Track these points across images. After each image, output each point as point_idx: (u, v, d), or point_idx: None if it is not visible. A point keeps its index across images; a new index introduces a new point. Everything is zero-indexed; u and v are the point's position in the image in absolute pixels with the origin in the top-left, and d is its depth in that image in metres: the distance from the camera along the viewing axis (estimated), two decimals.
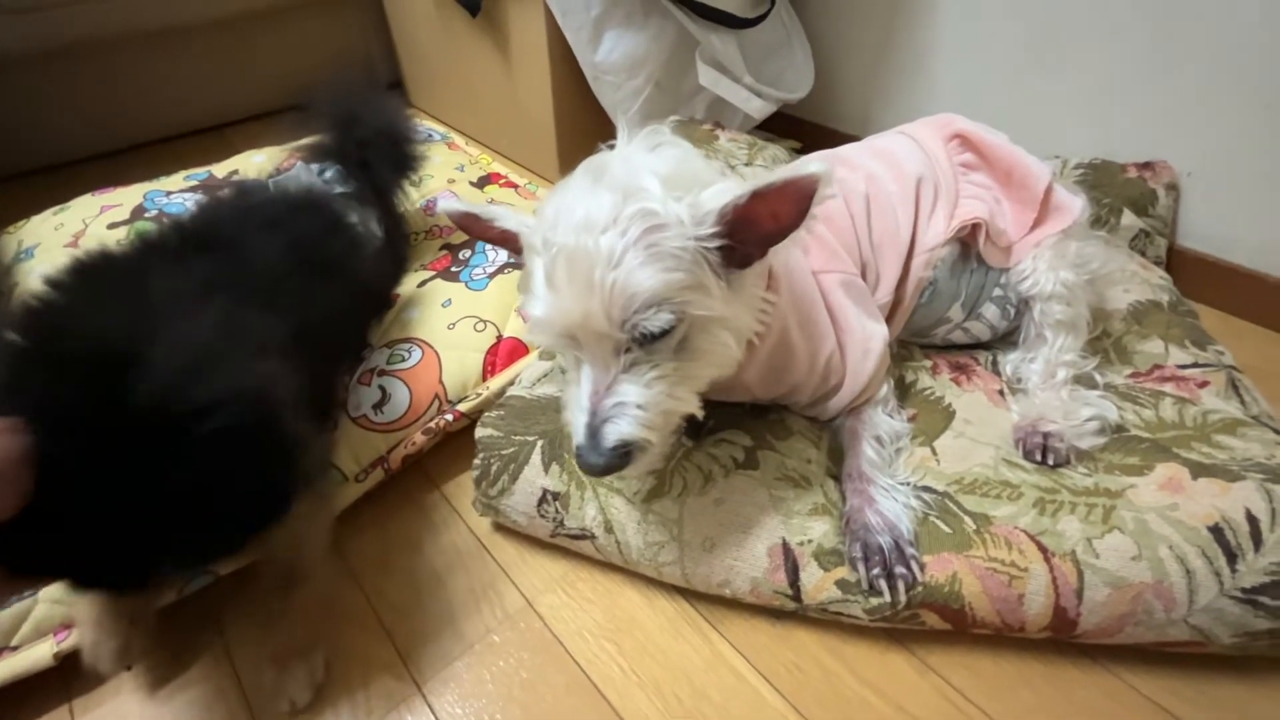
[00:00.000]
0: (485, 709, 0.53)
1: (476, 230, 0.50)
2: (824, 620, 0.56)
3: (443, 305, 0.79)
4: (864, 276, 0.66)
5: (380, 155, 0.83)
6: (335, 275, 0.67)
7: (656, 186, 0.42)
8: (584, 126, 1.21)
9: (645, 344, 0.43)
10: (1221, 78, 0.85)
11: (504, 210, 0.49)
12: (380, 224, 0.81)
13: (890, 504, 0.56)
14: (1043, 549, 0.52)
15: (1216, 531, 0.51)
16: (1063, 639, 0.53)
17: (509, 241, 0.48)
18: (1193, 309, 0.81)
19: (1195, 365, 0.70)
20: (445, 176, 1.11)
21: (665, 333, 0.43)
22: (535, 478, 0.61)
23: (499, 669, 0.56)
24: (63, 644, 0.54)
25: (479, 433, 0.64)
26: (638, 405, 0.43)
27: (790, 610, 0.56)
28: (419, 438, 0.69)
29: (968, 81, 1.09)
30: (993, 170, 0.70)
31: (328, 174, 0.80)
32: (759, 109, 1.11)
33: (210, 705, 0.54)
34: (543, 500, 0.61)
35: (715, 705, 0.53)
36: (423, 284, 0.84)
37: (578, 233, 0.41)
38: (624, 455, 0.44)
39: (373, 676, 0.56)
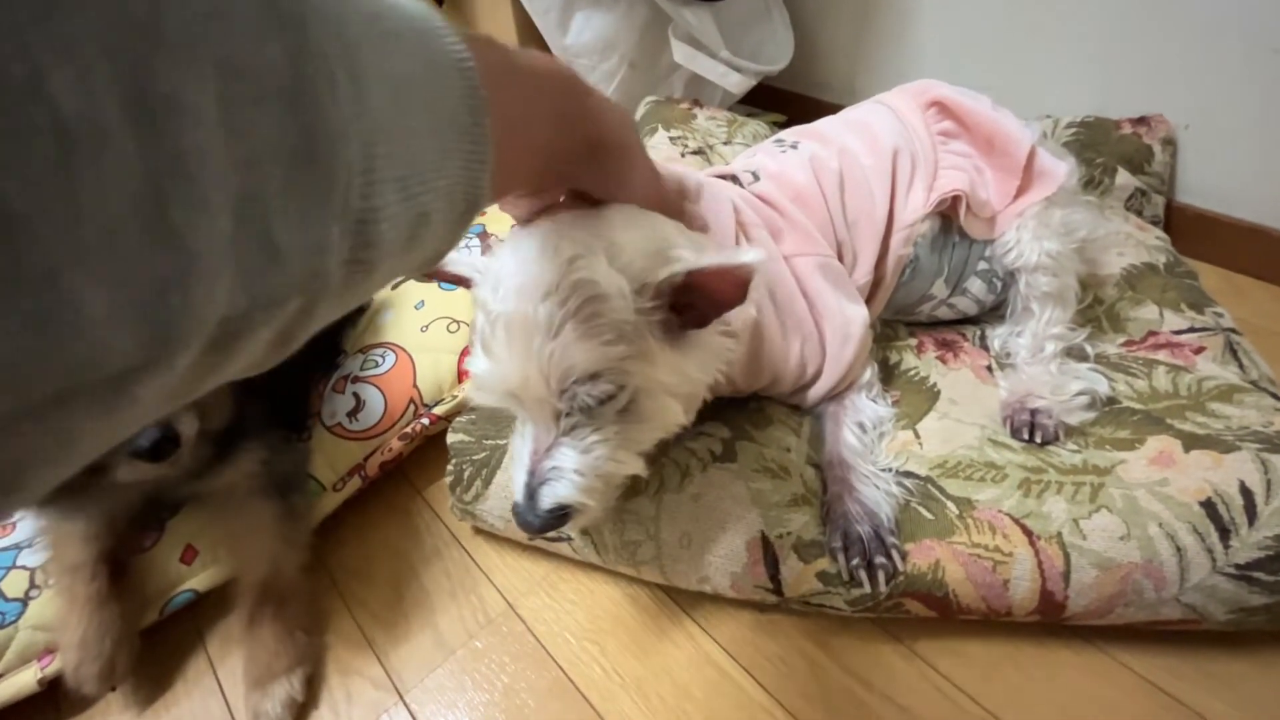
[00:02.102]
0: (467, 717, 0.53)
1: (431, 269, 0.49)
2: (808, 612, 0.56)
3: (415, 307, 0.78)
4: (840, 257, 0.63)
5: None
6: None
7: (599, 254, 0.40)
8: None
9: (586, 410, 0.42)
10: (1220, 22, 0.81)
11: (454, 255, 0.47)
12: None
13: (871, 491, 0.54)
14: (1027, 532, 0.51)
15: (1209, 506, 0.49)
16: (1051, 622, 0.52)
17: (463, 282, 0.47)
18: (1191, 269, 0.78)
19: (1191, 330, 0.67)
20: None
21: (607, 399, 0.42)
22: (508, 482, 0.60)
23: (481, 675, 0.56)
24: (47, 669, 0.54)
25: (450, 438, 0.63)
26: (575, 470, 0.43)
27: (772, 604, 0.55)
28: (396, 444, 0.68)
29: (953, 43, 1.05)
30: (973, 137, 0.66)
31: None
32: (737, 84, 1.08)
33: None
34: None
35: (698, 703, 0.53)
36: (395, 286, 0.83)
37: (518, 298, 0.40)
38: (560, 517, 0.44)
39: (354, 687, 0.55)
